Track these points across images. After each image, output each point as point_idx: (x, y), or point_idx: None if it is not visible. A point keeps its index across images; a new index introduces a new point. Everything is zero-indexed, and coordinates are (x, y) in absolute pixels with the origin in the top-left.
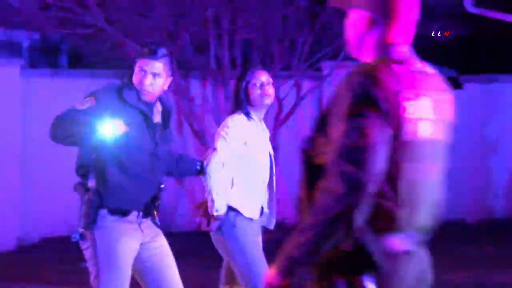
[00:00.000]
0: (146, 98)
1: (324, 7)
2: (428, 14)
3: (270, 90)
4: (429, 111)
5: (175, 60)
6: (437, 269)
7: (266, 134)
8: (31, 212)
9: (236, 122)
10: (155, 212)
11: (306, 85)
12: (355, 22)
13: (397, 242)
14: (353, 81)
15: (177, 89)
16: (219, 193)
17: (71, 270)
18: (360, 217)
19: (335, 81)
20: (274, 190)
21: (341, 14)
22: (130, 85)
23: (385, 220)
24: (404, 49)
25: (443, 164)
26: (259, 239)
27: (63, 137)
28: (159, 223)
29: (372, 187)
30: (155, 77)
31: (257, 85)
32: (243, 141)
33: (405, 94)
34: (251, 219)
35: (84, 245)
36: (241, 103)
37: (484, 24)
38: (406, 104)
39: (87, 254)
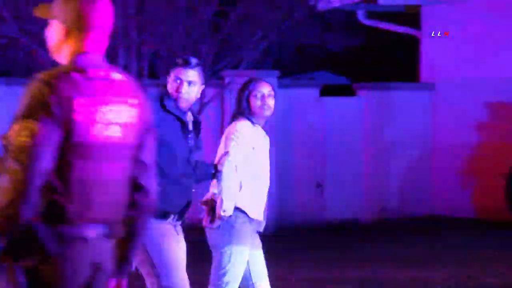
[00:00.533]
0: (183, 105)
1: (226, 20)
2: (323, 26)
3: (271, 102)
4: (105, 115)
5: None
6: (336, 266)
7: (267, 140)
8: None
9: (244, 128)
10: (185, 216)
11: (209, 92)
12: (54, 31)
13: (71, 230)
14: (33, 86)
15: None
16: (230, 196)
17: None
18: (27, 210)
19: (236, 88)
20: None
21: (241, 27)
22: (168, 94)
23: (58, 212)
24: (95, 58)
25: (126, 164)
26: (255, 239)
27: None
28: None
29: (36, 184)
30: (190, 85)
31: (258, 96)
32: (251, 146)
33: (78, 100)
34: (251, 220)
35: None
36: (243, 111)
37: (376, 35)
38: (78, 108)
39: (137, 260)
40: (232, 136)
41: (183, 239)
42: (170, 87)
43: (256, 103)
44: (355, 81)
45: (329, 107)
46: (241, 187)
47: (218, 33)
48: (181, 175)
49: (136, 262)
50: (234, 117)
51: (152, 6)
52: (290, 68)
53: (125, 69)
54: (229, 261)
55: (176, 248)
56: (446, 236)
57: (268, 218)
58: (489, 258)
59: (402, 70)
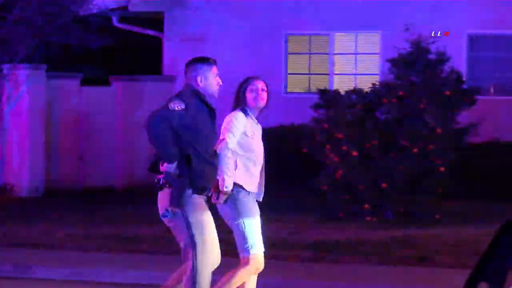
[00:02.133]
0: (211, 97)
1: (4, 22)
2: (83, 27)
3: (264, 95)
4: None
5: None
6: (93, 224)
7: (259, 127)
8: None
9: (238, 118)
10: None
11: None
12: None
13: None
14: None
15: None
16: (229, 174)
17: None
18: None
19: (13, 79)
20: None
21: (16, 28)
22: (198, 87)
23: None
24: None
25: None
26: (256, 207)
27: (160, 142)
28: None
29: None
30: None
31: (253, 90)
32: (243, 132)
33: None
34: (249, 193)
35: (170, 222)
36: (240, 103)
37: (128, 36)
38: None
39: (177, 226)
40: (228, 127)
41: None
42: (208, 82)
43: (251, 96)
44: (110, 74)
45: (89, 94)
46: (236, 166)
47: None
48: (211, 156)
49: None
50: (232, 109)
51: None
52: (56, 62)
53: None
54: (245, 227)
55: (209, 216)
56: None
57: (39, 184)
58: None
59: (149, 65)
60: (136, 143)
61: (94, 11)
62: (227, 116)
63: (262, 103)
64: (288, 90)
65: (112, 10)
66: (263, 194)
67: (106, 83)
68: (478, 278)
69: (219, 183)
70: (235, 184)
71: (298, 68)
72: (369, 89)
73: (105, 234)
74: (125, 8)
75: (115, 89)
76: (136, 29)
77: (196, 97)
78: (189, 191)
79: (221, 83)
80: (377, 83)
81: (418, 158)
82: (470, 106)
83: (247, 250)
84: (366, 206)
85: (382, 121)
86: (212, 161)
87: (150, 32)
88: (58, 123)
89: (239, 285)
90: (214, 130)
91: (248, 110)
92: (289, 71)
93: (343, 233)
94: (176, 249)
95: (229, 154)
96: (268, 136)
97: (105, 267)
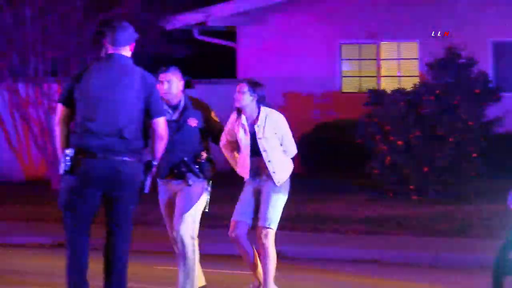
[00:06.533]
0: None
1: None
2: (168, 39)
3: (238, 96)
4: None
5: (6, 70)
6: None
7: (245, 124)
8: None
9: (231, 117)
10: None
11: None
12: None
13: None
14: None
15: (10, 89)
16: (231, 163)
17: None
18: None
19: None
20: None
21: None
22: None
23: None
24: None
25: None
26: (250, 189)
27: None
28: None
29: None
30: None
31: (235, 92)
32: (231, 129)
33: None
34: (246, 179)
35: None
36: None
37: (210, 47)
38: None
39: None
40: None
41: None
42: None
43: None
44: (194, 78)
45: None
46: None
47: (99, 46)
48: None
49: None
50: None
51: (52, 28)
52: (148, 70)
53: (35, 70)
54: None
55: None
56: None
57: None
58: None
59: (225, 70)
60: None
61: (178, 26)
62: None
63: (236, 103)
64: (343, 90)
65: (193, 25)
66: (264, 179)
67: (189, 85)
68: (508, 247)
69: None
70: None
71: (351, 71)
72: (411, 88)
73: None
74: (204, 23)
75: (197, 91)
76: (213, 40)
77: None
78: None
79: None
80: (418, 84)
81: (454, 146)
82: (496, 102)
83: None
84: (411, 187)
85: (423, 115)
86: None
87: (225, 43)
88: None
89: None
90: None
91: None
92: (343, 74)
93: (392, 210)
94: None
95: (224, 147)
96: (327, 129)
97: None
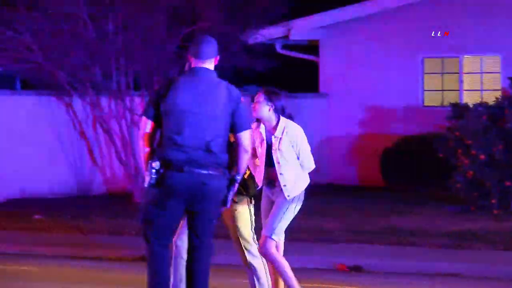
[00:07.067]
0: None
1: (186, 51)
2: (251, 54)
3: (255, 106)
4: None
5: (89, 83)
6: None
7: (263, 132)
8: None
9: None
10: None
11: None
12: None
13: None
14: None
15: (92, 102)
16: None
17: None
18: None
19: None
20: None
21: None
22: None
23: None
24: None
25: None
26: (266, 200)
27: None
28: None
29: None
30: None
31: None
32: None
33: None
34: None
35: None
36: None
37: (291, 60)
38: None
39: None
40: None
41: None
42: None
43: None
44: None
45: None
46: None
47: (181, 61)
48: None
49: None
50: None
51: (135, 42)
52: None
53: (117, 83)
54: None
55: None
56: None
57: None
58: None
59: (306, 83)
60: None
61: (260, 40)
62: None
63: (253, 113)
64: (425, 104)
65: (275, 39)
66: (276, 188)
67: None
68: None
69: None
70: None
71: (433, 85)
72: (493, 102)
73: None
74: (286, 37)
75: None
76: (295, 54)
77: None
78: None
79: None
80: (500, 97)
81: None
82: None
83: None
84: (493, 201)
85: (505, 129)
86: None
87: (307, 56)
88: None
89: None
90: None
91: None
92: (425, 88)
93: (474, 224)
94: (332, 239)
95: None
96: (409, 143)
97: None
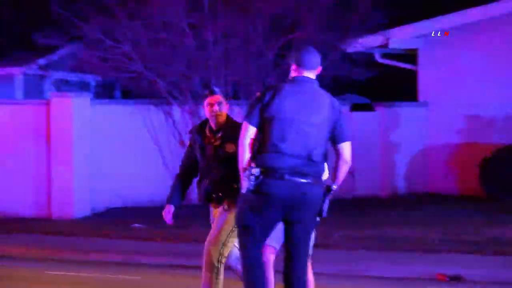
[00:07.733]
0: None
1: (284, 59)
2: (352, 62)
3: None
4: None
5: (188, 92)
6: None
7: None
8: None
9: None
10: None
11: None
12: None
13: None
14: None
15: (191, 111)
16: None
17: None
18: None
19: None
20: None
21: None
22: None
23: None
24: None
25: None
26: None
27: None
28: None
29: None
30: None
31: None
32: None
33: None
34: None
35: None
36: None
37: (388, 69)
38: None
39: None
40: None
41: None
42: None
43: None
44: (373, 100)
45: (357, 118)
46: None
47: (279, 69)
48: None
49: None
50: None
51: (234, 51)
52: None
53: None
54: None
55: None
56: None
57: None
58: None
59: (405, 92)
60: (396, 160)
61: (359, 48)
62: None
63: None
64: None
65: (374, 47)
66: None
67: (370, 108)
68: None
69: None
70: None
71: None
72: None
73: (369, 235)
74: (385, 46)
75: (378, 114)
76: (394, 63)
77: None
78: None
79: (213, 113)
80: None
81: None
82: None
83: None
84: None
85: None
86: None
87: (406, 65)
88: None
89: None
90: None
91: None
92: None
93: None
94: (432, 249)
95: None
96: (510, 153)
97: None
